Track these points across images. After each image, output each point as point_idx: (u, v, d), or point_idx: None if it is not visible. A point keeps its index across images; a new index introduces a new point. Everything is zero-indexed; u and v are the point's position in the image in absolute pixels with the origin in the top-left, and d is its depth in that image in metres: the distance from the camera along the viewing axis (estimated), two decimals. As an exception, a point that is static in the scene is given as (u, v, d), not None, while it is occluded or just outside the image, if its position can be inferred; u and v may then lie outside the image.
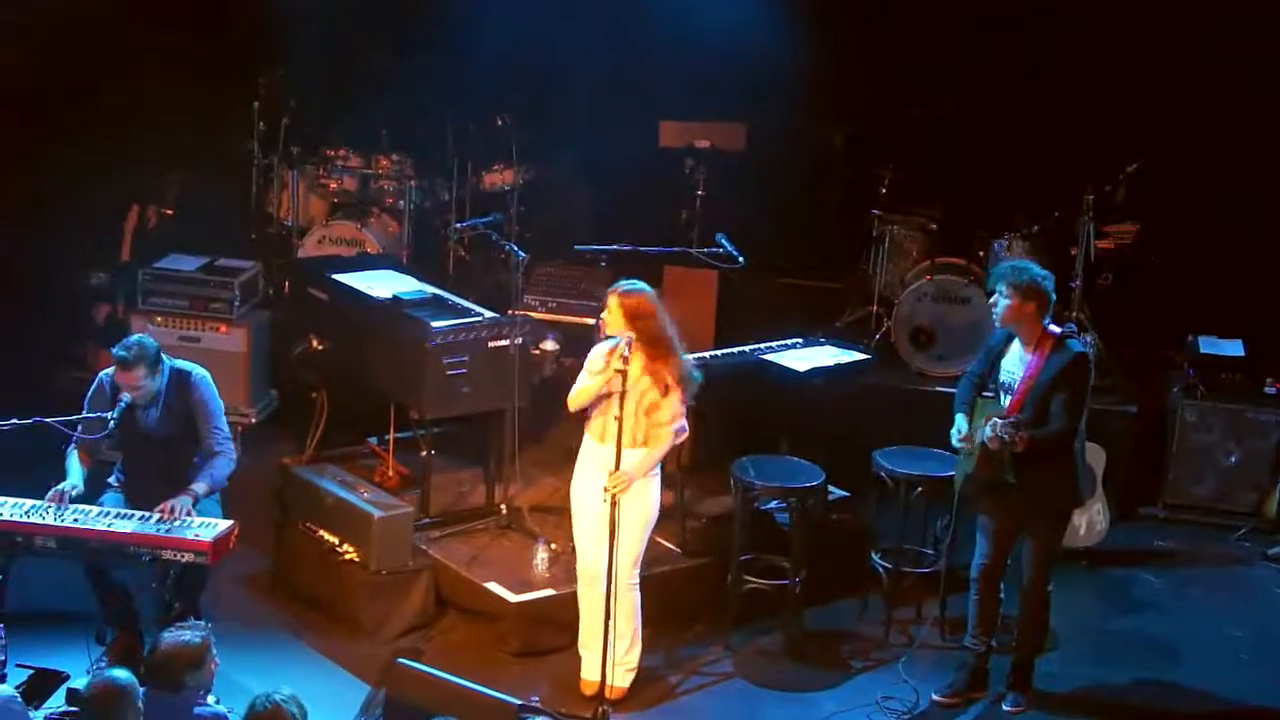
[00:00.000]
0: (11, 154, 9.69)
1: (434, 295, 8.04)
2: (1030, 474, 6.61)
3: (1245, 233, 9.62)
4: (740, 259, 8.29)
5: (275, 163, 10.06)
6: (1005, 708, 6.97)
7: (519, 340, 7.69)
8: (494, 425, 7.83)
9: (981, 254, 9.49)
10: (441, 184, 10.15)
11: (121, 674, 5.41)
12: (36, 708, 6.38)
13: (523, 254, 8.06)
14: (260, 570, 7.79)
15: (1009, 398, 6.69)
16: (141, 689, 5.48)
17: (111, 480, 7.00)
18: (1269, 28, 9.41)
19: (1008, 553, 6.91)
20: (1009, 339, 6.77)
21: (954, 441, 6.79)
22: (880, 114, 10.13)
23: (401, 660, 6.29)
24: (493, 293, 8.80)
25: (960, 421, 6.79)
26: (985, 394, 6.81)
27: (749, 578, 7.40)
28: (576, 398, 6.72)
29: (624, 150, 10.09)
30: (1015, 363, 6.72)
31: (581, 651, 6.92)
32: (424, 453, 7.80)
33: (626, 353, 6.44)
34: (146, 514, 6.53)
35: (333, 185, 10.12)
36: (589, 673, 6.82)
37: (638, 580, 6.79)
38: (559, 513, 7.85)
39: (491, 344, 7.63)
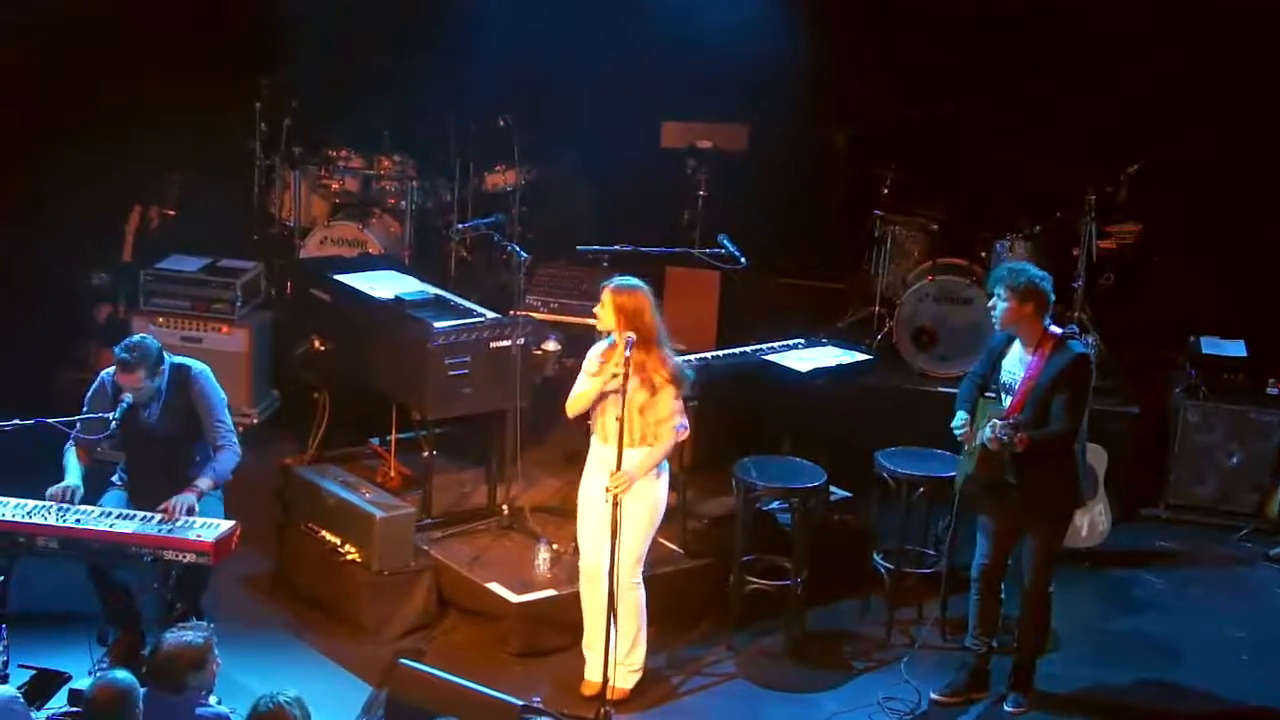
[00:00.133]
0: (13, 154, 9.70)
1: (436, 296, 8.04)
2: (1031, 474, 6.61)
3: (1247, 233, 9.62)
4: (742, 259, 8.29)
5: (277, 163, 10.06)
6: (1007, 708, 6.97)
7: (521, 341, 7.69)
8: (496, 426, 7.83)
9: (983, 254, 9.49)
10: (443, 184, 10.15)
11: (123, 676, 5.41)
12: (38, 708, 6.38)
13: (524, 254, 8.06)
14: (262, 571, 7.79)
15: (1010, 398, 6.69)
16: (143, 690, 5.49)
17: (114, 479, 7.00)
18: (1270, 28, 9.41)
19: (1008, 553, 6.91)
20: (1010, 340, 6.77)
21: (955, 432, 6.78)
22: (882, 114, 10.12)
23: (403, 661, 6.30)
24: (494, 293, 8.80)
25: (960, 415, 6.79)
26: (987, 394, 6.81)
27: (751, 578, 7.40)
28: (574, 403, 6.72)
29: (626, 151, 10.10)
30: (1016, 363, 6.72)
31: (585, 652, 6.92)
32: (426, 453, 7.80)
33: (628, 353, 6.43)
34: (148, 514, 6.53)
35: (335, 186, 10.13)
36: (592, 673, 6.82)
37: (641, 580, 6.79)
38: (560, 513, 7.87)
39: (493, 344, 7.63)
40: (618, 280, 6.65)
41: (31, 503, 6.55)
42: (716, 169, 9.94)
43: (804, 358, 8.08)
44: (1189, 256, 9.65)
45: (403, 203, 10.03)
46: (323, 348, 8.12)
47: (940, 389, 8.86)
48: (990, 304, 6.73)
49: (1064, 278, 9.05)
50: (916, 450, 7.54)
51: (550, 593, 7.28)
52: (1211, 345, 9.14)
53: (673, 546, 7.62)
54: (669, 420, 6.60)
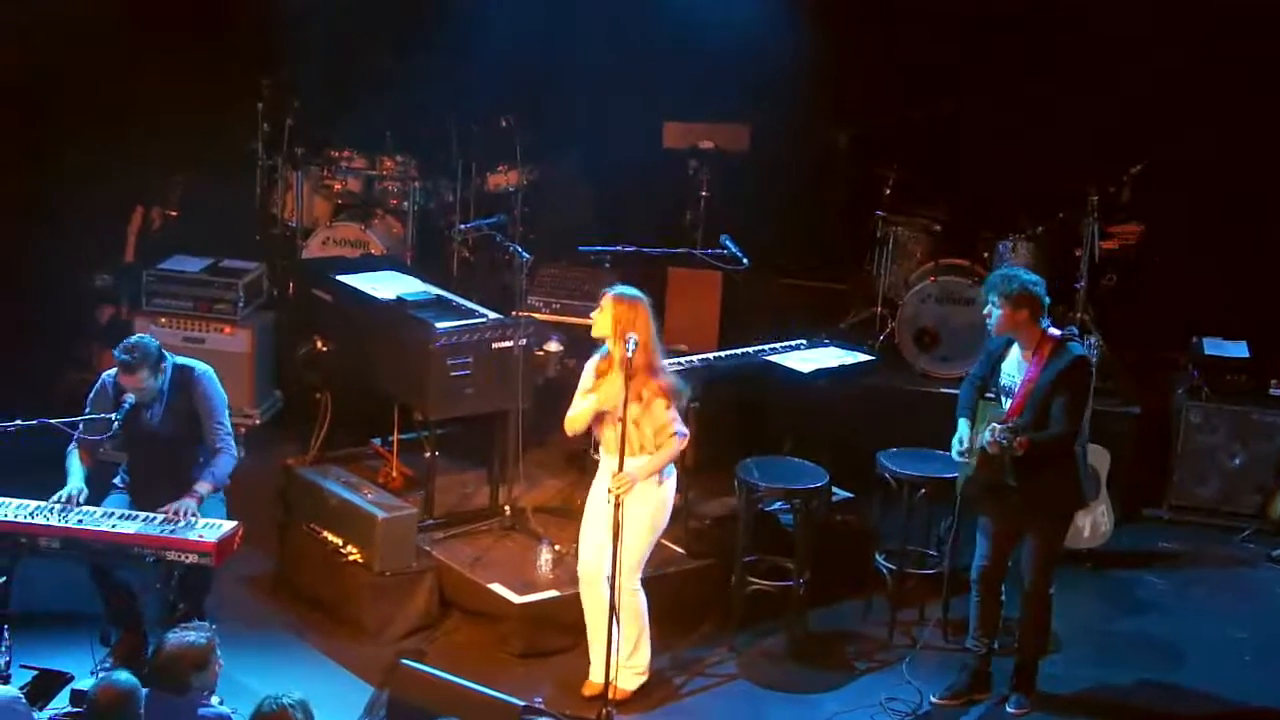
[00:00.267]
0: (15, 155, 9.70)
1: (438, 296, 8.04)
2: (1031, 476, 6.61)
3: (1250, 234, 9.61)
4: (744, 260, 8.29)
5: (279, 163, 10.06)
6: (1009, 709, 6.97)
7: (523, 341, 7.69)
8: (498, 426, 7.83)
9: (986, 255, 9.49)
10: (445, 185, 10.15)
11: (125, 677, 5.42)
12: (41, 709, 6.39)
13: (527, 255, 8.06)
14: (264, 571, 7.79)
15: (1009, 401, 6.70)
16: (146, 690, 5.49)
17: (116, 481, 7.00)
18: (1272, 27, 9.40)
19: (1008, 555, 6.91)
20: (1009, 342, 6.78)
21: (954, 455, 6.79)
22: (884, 115, 10.11)
23: (405, 661, 6.30)
24: (497, 294, 8.80)
25: (963, 429, 6.79)
26: (987, 397, 6.82)
27: (753, 579, 7.40)
28: (571, 422, 6.72)
29: (628, 151, 10.10)
30: (1015, 366, 6.73)
31: (592, 654, 6.93)
32: (428, 454, 7.80)
33: (631, 353, 6.42)
34: (151, 515, 6.53)
35: (337, 186, 10.13)
36: (596, 674, 6.82)
37: (639, 585, 6.78)
38: (562, 514, 7.87)
39: (495, 345, 7.63)
40: (620, 288, 6.64)
41: (34, 503, 6.55)
42: (718, 169, 9.93)
43: (806, 358, 8.08)
44: (1191, 257, 9.64)
45: (405, 203, 10.03)
46: (325, 348, 8.12)
47: (942, 390, 8.86)
48: (985, 312, 6.74)
49: (1066, 278, 9.07)
50: (918, 451, 7.53)
51: (552, 593, 7.28)
52: (1214, 346, 9.14)
53: (675, 547, 7.61)
54: (667, 428, 6.58)
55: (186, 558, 6.39)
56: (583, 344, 8.60)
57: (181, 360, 6.95)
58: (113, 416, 6.67)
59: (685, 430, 6.68)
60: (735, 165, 10.13)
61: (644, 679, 6.88)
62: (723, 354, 8.14)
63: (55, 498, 6.57)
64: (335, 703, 6.52)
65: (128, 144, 9.75)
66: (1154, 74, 9.63)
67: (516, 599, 7.23)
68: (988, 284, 6.75)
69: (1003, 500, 6.75)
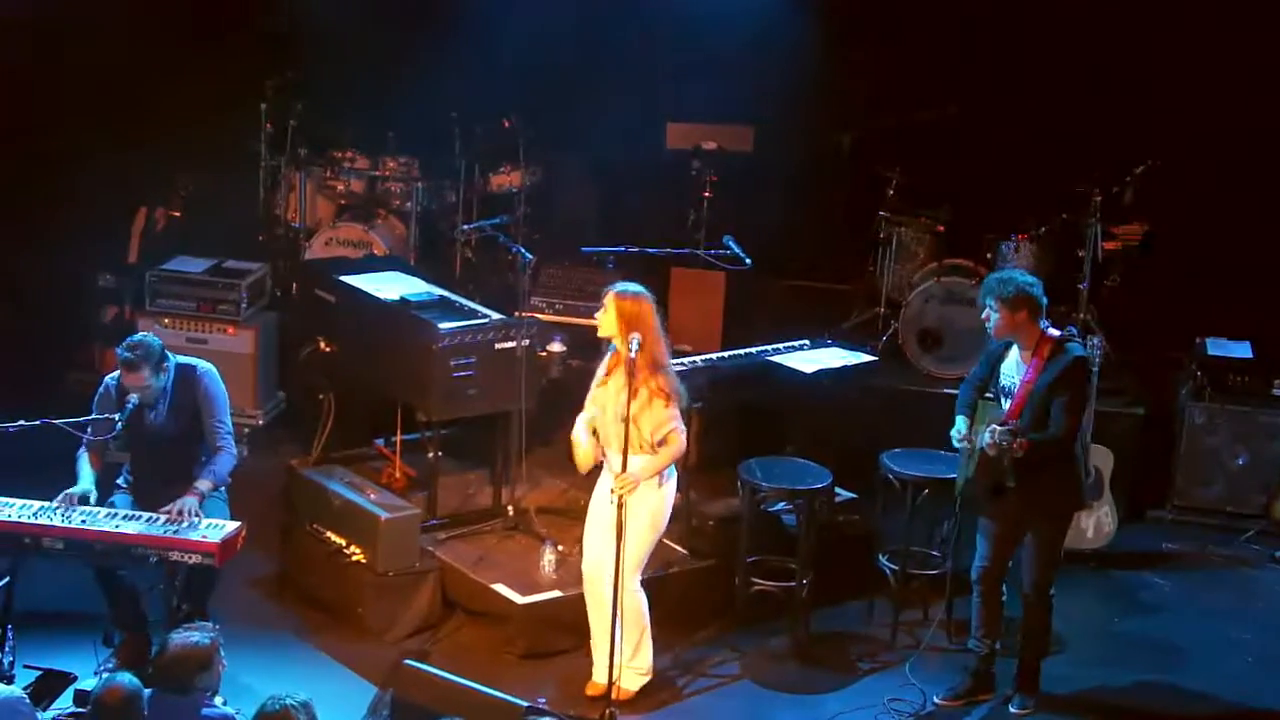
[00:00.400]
0: (18, 155, 9.71)
1: (441, 297, 8.04)
2: (1031, 477, 6.61)
3: (1253, 234, 9.60)
4: (747, 260, 8.29)
5: (282, 164, 10.07)
6: (1012, 710, 6.96)
7: (526, 342, 7.69)
8: (501, 427, 7.83)
9: (989, 256, 9.48)
10: (448, 185, 10.14)
11: (128, 679, 5.42)
12: (44, 709, 6.39)
13: (530, 256, 8.07)
14: (267, 572, 7.79)
15: (1009, 402, 6.70)
16: (150, 690, 5.49)
17: (120, 481, 7.00)
18: (1276, 27, 9.40)
19: (1008, 555, 6.90)
20: (1009, 343, 6.78)
21: (954, 441, 6.80)
22: (887, 116, 10.11)
23: (408, 661, 6.31)
24: (500, 294, 8.80)
25: (960, 423, 6.80)
26: (986, 397, 6.82)
27: (756, 580, 7.40)
28: (581, 461, 6.71)
29: (631, 152, 10.10)
30: (1014, 367, 6.73)
31: (594, 654, 6.93)
32: (431, 454, 7.80)
33: (634, 354, 6.43)
34: (154, 515, 6.54)
35: (340, 187, 10.13)
36: (598, 674, 6.82)
37: (639, 585, 6.78)
38: (566, 514, 7.87)
39: (498, 346, 7.63)
40: (621, 285, 6.65)
41: (38, 503, 6.55)
42: (721, 170, 9.93)
43: (809, 359, 8.08)
44: (1195, 258, 9.64)
45: (408, 204, 10.04)
46: (328, 349, 8.13)
47: (945, 390, 8.83)
48: (983, 315, 6.74)
49: (1069, 279, 9.08)
50: (921, 452, 7.53)
51: (555, 594, 7.27)
52: (1217, 347, 9.13)
53: (678, 548, 7.61)
54: (664, 425, 6.57)
55: (190, 558, 6.40)
56: (586, 344, 8.62)
57: (184, 359, 6.96)
58: (116, 417, 6.67)
59: (684, 428, 6.67)
60: (738, 166, 10.12)
61: (647, 679, 6.88)
62: (725, 354, 8.14)
63: (60, 498, 6.58)
64: (338, 703, 6.52)
65: (131, 145, 9.75)
66: (1157, 74, 9.63)
67: (520, 599, 7.23)
68: (984, 288, 6.76)
69: (1002, 501, 6.75)
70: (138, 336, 6.83)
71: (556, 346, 8.83)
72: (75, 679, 6.63)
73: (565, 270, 9.46)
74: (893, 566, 7.58)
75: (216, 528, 6.48)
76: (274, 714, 5.27)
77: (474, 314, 7.81)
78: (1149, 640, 7.75)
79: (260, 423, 9.21)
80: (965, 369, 7.10)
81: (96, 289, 9.70)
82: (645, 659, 6.86)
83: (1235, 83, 9.61)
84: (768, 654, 7.36)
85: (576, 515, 7.67)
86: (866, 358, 8.35)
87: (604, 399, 6.67)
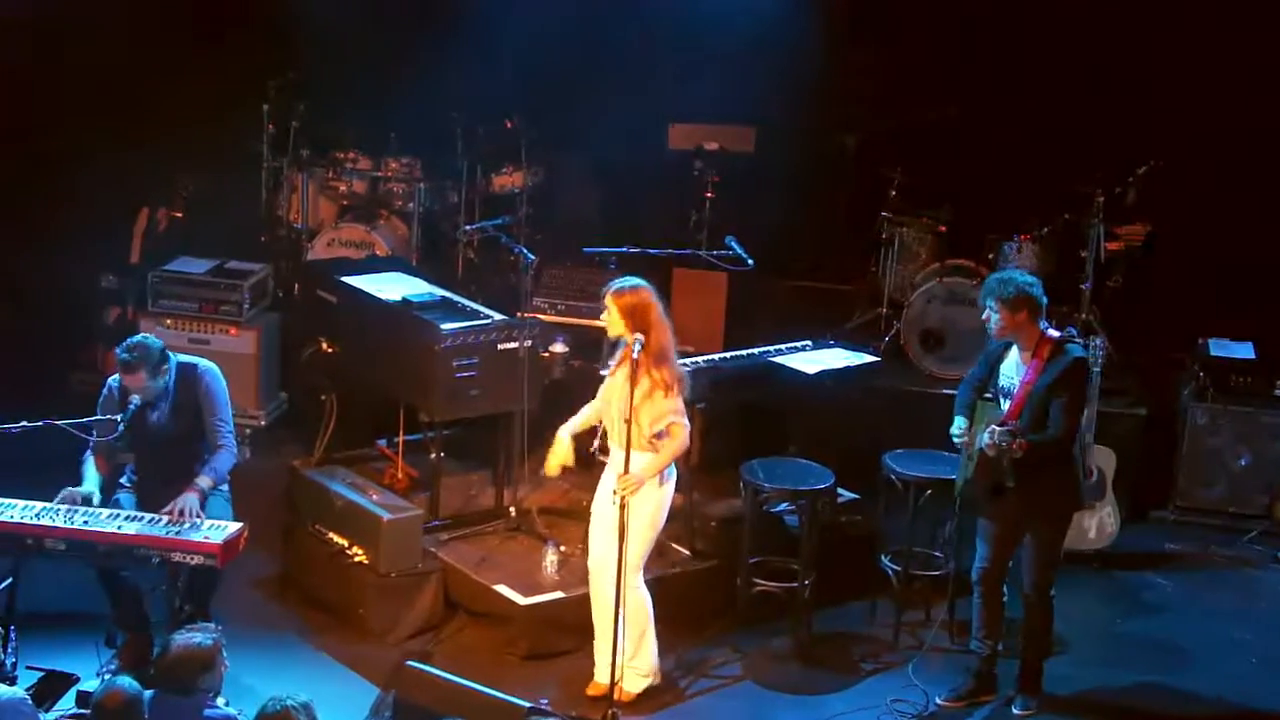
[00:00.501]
0: (19, 156, 9.71)
1: (443, 298, 8.04)
2: (1030, 478, 6.61)
3: (1256, 235, 9.59)
4: (749, 261, 8.29)
5: (285, 165, 10.07)
6: (1015, 711, 6.96)
7: (528, 343, 7.69)
8: (503, 428, 7.83)
9: (991, 256, 9.48)
10: (450, 186, 10.15)
11: (128, 683, 5.42)
12: (47, 710, 6.39)
13: (532, 256, 8.07)
14: (269, 572, 7.80)
15: (1008, 402, 6.70)
16: (152, 691, 5.50)
17: (124, 481, 7.01)
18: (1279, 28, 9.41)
19: (1008, 556, 6.90)
20: (1008, 344, 6.78)
21: (954, 438, 6.79)
22: (889, 116, 10.11)
23: (410, 662, 6.30)
24: (502, 295, 8.80)
25: (959, 420, 6.80)
26: (985, 398, 6.82)
27: (758, 580, 7.40)
28: (550, 463, 6.78)
29: (633, 152, 10.10)
30: (1014, 367, 6.73)
31: (596, 655, 6.93)
32: (433, 455, 7.80)
33: (637, 354, 6.43)
34: (156, 516, 6.54)
35: (342, 188, 10.14)
36: (600, 674, 6.82)
37: (641, 585, 6.78)
38: (568, 515, 7.87)
39: (501, 346, 7.63)
40: (616, 284, 6.64)
41: (40, 504, 6.56)
42: (724, 170, 9.93)
43: (811, 359, 8.07)
44: (1197, 258, 9.63)
45: (410, 204, 10.04)
46: (330, 350, 8.12)
47: (947, 391, 8.74)
48: (984, 316, 6.74)
49: (1072, 279, 9.07)
50: (924, 452, 7.53)
51: (558, 595, 7.27)
52: (1220, 347, 9.13)
53: (680, 548, 7.61)
54: (664, 417, 6.56)
55: (192, 559, 6.40)
56: (588, 345, 8.63)
57: (186, 358, 6.97)
58: (118, 418, 6.68)
59: (687, 422, 6.67)
60: (740, 166, 10.12)
61: (649, 681, 6.86)
62: (728, 355, 8.13)
63: (62, 494, 6.58)
64: (341, 704, 6.53)
65: (133, 145, 9.76)
66: (1160, 74, 9.62)
67: (522, 600, 7.22)
68: (984, 288, 6.76)
69: (1001, 502, 6.75)
70: (136, 338, 6.84)
71: (559, 347, 8.83)
72: (78, 680, 6.63)
73: (567, 271, 9.46)
74: (895, 567, 7.58)
75: (218, 529, 6.49)
76: (275, 715, 5.27)
77: (476, 315, 7.81)
78: (1151, 641, 7.74)
79: (262, 423, 9.21)
80: (967, 369, 7.09)
81: (99, 290, 9.71)
82: (646, 660, 6.85)
83: (1239, 83, 9.60)
84: (770, 655, 7.36)
85: (579, 516, 7.68)
86: (869, 358, 8.35)
87: (611, 392, 6.68)
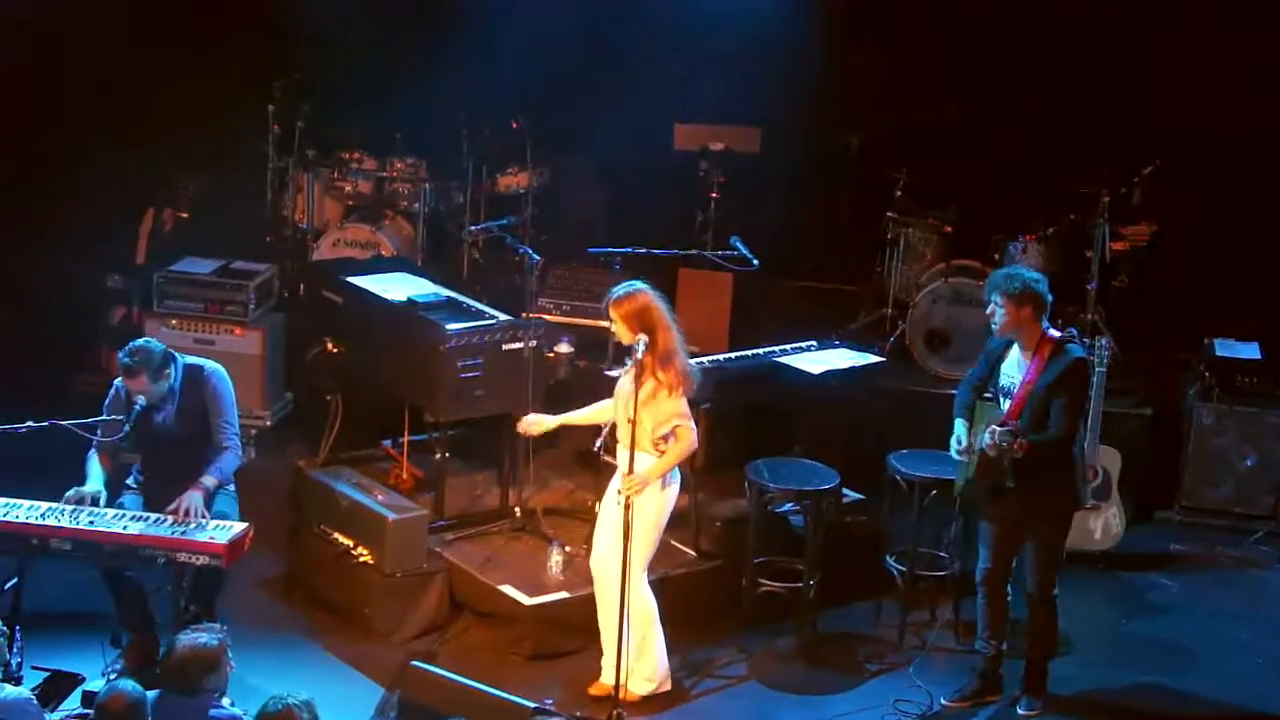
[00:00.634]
0: (22, 156, 9.72)
1: (448, 298, 8.04)
2: (1030, 479, 6.61)
3: (1262, 235, 9.58)
4: (754, 261, 8.29)
5: (290, 165, 10.08)
6: (1020, 711, 6.96)
7: (533, 343, 7.69)
8: (508, 428, 7.81)
9: (996, 256, 9.47)
10: (456, 186, 10.15)
11: (132, 686, 5.42)
12: (52, 710, 6.40)
13: (537, 257, 8.07)
14: (275, 573, 7.80)
15: (1008, 402, 6.69)
16: (157, 691, 5.50)
17: (130, 481, 7.01)
18: (1284, 28, 9.41)
19: (1010, 556, 6.90)
20: (1008, 343, 6.78)
21: (953, 453, 6.80)
22: (890, 116, 10.11)
23: (415, 663, 6.30)
24: (507, 295, 8.80)
25: (959, 429, 6.80)
26: (985, 398, 6.82)
27: (763, 580, 7.40)
28: (525, 421, 6.84)
29: (638, 153, 10.10)
30: (1014, 367, 6.72)
31: (603, 656, 6.93)
32: (438, 455, 7.80)
33: (640, 354, 6.43)
34: (161, 516, 6.54)
35: (347, 188, 10.14)
36: (606, 676, 6.81)
37: (646, 587, 6.77)
38: (573, 515, 7.88)
39: (506, 347, 7.63)
40: (613, 293, 6.63)
41: (45, 504, 6.56)
42: (729, 171, 9.93)
43: (816, 360, 8.07)
44: (1203, 258, 9.62)
45: (415, 205, 10.04)
46: (335, 350, 8.13)
47: (952, 391, 8.69)
48: (988, 311, 6.73)
49: (1078, 279, 9.06)
50: (928, 452, 7.51)
51: (563, 595, 7.28)
52: (1225, 347, 9.12)
53: (685, 549, 7.61)
54: (672, 420, 6.56)
55: (197, 559, 6.40)
56: (593, 345, 8.63)
57: (193, 360, 6.97)
58: (123, 418, 6.68)
59: (693, 425, 6.67)
60: (746, 167, 10.11)
61: (654, 686, 6.84)
62: (733, 355, 8.13)
63: (68, 494, 6.59)
64: (346, 704, 6.54)
65: (138, 146, 9.76)
66: (1167, 74, 9.61)
67: (527, 600, 7.23)
68: (990, 283, 6.75)
69: (1001, 503, 6.75)
70: (138, 342, 6.83)
71: (564, 347, 8.83)
72: (83, 680, 6.64)
73: (573, 271, 9.46)
74: (900, 567, 7.58)
75: (224, 529, 6.49)
76: (276, 714, 5.27)
77: (481, 315, 7.81)
78: (1157, 641, 7.74)
79: (268, 424, 9.22)
80: (972, 370, 7.10)
81: (105, 290, 9.72)
82: (651, 664, 6.84)
83: (1244, 82, 9.59)
84: (775, 655, 7.36)
85: (584, 516, 7.69)
86: (874, 358, 8.34)
87: (622, 393, 6.66)
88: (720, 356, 8.07)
